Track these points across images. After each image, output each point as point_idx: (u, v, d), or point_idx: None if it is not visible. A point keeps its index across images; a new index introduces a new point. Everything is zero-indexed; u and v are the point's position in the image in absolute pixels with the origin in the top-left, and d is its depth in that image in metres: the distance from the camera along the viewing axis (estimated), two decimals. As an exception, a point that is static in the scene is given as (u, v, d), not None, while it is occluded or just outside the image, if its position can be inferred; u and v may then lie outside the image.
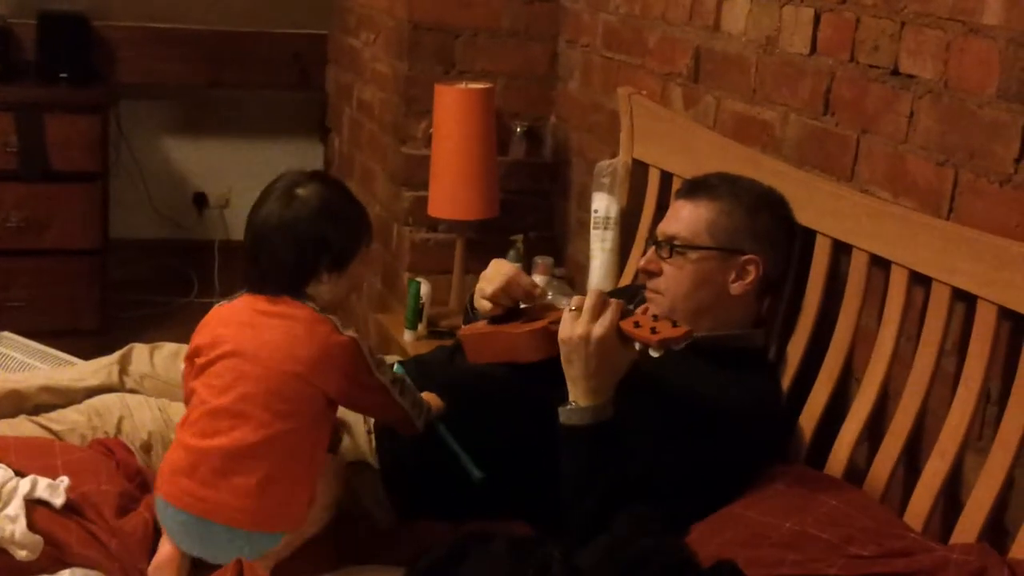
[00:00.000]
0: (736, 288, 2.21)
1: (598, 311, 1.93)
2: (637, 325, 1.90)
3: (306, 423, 1.95)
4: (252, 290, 2.01)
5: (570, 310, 1.96)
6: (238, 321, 2.00)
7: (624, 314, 1.95)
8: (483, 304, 2.21)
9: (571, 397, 1.98)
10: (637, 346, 1.91)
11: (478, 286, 2.24)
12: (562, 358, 1.97)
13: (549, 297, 3.01)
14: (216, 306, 2.08)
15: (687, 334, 1.88)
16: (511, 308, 2.17)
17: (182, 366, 2.51)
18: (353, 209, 2.03)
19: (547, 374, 2.04)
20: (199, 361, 2.01)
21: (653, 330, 1.88)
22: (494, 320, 2.18)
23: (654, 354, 1.89)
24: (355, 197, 2.07)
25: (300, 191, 1.97)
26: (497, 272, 2.21)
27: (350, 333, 1.96)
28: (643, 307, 2.18)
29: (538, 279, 3.17)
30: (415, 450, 2.14)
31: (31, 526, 1.84)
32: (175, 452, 1.98)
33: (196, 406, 1.98)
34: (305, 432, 1.95)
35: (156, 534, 1.97)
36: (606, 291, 2.74)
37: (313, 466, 1.97)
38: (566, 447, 1.99)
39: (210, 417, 1.94)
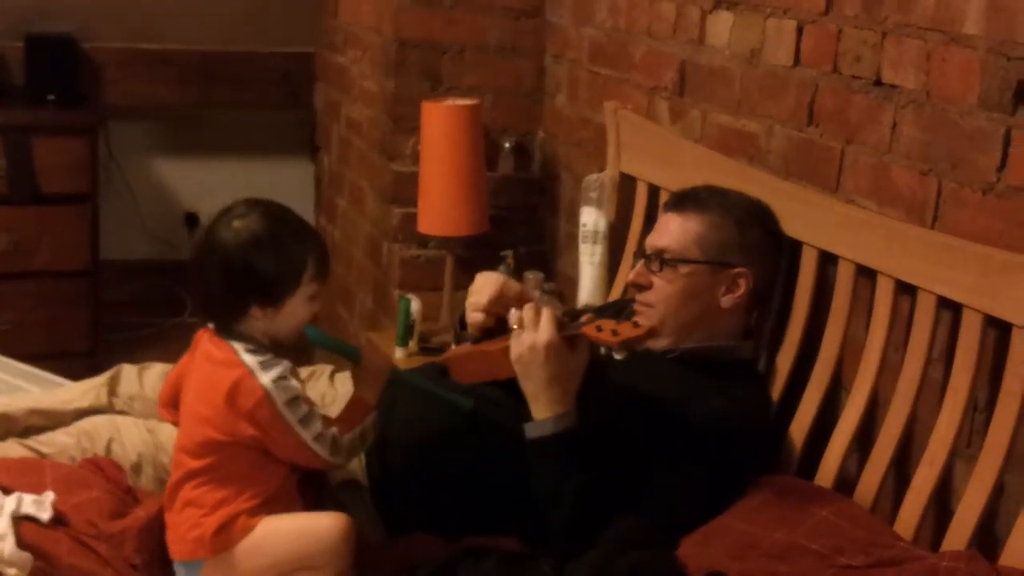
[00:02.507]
0: (726, 301, 2.21)
1: (536, 321, 1.96)
2: (599, 330, 1.93)
3: (223, 463, 1.92)
4: (198, 316, 2.03)
5: (513, 328, 1.98)
6: (196, 359, 2.00)
7: (565, 324, 1.97)
8: (476, 317, 2.21)
9: (532, 413, 2.00)
10: (602, 350, 1.93)
11: (469, 300, 2.24)
12: (519, 377, 1.99)
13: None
14: (200, 331, 2.04)
15: (649, 332, 1.91)
16: (496, 326, 2.18)
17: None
18: (294, 241, 1.94)
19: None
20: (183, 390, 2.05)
21: (614, 332, 1.90)
22: (481, 336, 2.19)
23: (617, 356, 1.91)
24: (305, 229, 1.98)
25: (237, 221, 1.91)
26: (486, 282, 2.22)
27: (266, 380, 1.88)
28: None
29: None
30: (404, 466, 2.14)
31: (20, 543, 1.84)
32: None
33: (177, 439, 2.03)
34: (222, 469, 1.92)
35: (154, 530, 1.98)
36: (596, 305, 2.76)
37: (240, 500, 1.92)
38: (533, 461, 2.01)
39: (176, 451, 2.01)
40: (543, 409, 1.98)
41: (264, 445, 1.92)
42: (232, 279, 1.90)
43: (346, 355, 2.05)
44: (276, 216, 1.95)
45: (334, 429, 1.95)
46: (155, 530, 1.97)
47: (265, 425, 1.89)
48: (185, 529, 1.93)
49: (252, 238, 1.90)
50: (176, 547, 1.95)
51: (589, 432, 2.00)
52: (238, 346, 1.92)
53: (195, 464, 1.93)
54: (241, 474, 1.93)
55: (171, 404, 2.07)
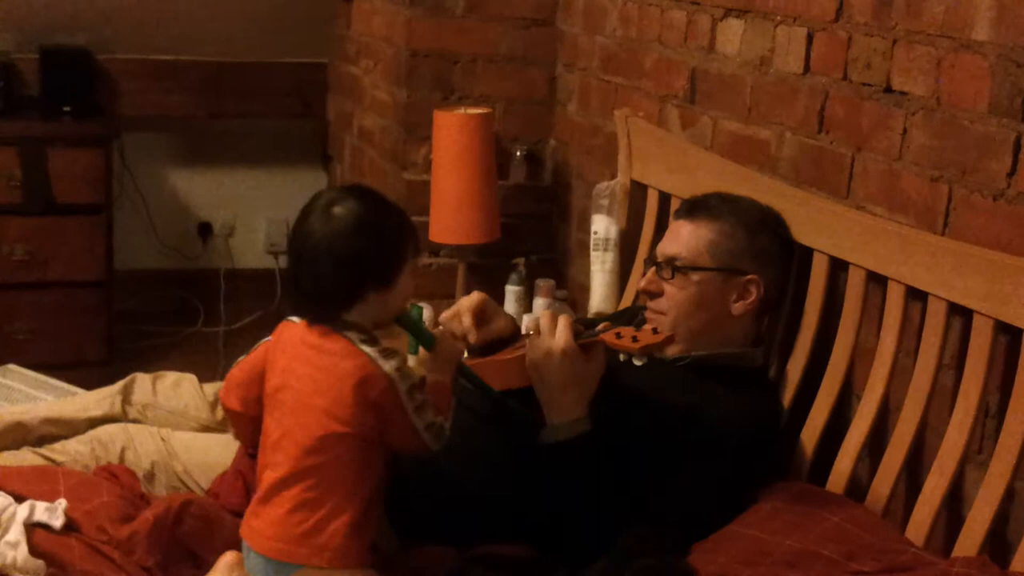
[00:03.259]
0: (737, 308, 2.22)
1: (553, 327, 1.97)
2: (619, 336, 1.93)
3: (340, 458, 1.88)
4: (296, 313, 1.97)
5: (528, 334, 2.00)
6: (290, 352, 1.94)
7: (580, 332, 1.97)
8: (470, 339, 2.22)
9: (547, 420, 2.00)
10: (621, 357, 1.94)
11: (454, 330, 2.23)
12: (534, 383, 2.00)
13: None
14: (283, 323, 2.00)
15: (668, 339, 1.92)
16: (500, 339, 2.19)
17: (186, 397, 2.54)
18: (393, 220, 1.94)
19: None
20: (267, 388, 1.97)
21: (634, 339, 1.91)
22: (482, 351, 2.19)
23: (637, 362, 1.91)
24: (396, 207, 1.98)
25: (337, 209, 1.89)
26: (458, 306, 2.24)
27: (389, 368, 1.88)
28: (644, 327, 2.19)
29: (540, 302, 3.19)
30: (417, 475, 2.15)
31: (32, 550, 1.86)
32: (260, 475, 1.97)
33: (267, 434, 1.95)
34: (338, 468, 1.88)
35: (163, 531, 1.98)
36: (607, 313, 2.76)
37: (353, 502, 1.89)
38: (548, 466, 2.01)
39: (270, 450, 1.93)
40: (557, 415, 1.99)
41: (382, 435, 1.91)
42: (348, 266, 1.88)
43: (424, 340, 2.04)
44: (369, 196, 1.95)
45: (441, 418, 1.95)
46: (164, 531, 1.97)
47: (387, 413, 1.88)
48: (296, 531, 1.87)
49: (359, 222, 1.88)
50: (274, 544, 1.88)
51: (603, 438, 2.01)
52: (352, 336, 1.89)
53: (308, 461, 1.87)
54: (350, 473, 1.89)
55: (243, 397, 2.01)
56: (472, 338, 2.21)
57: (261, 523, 1.89)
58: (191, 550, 2.01)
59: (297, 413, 1.90)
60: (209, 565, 1.97)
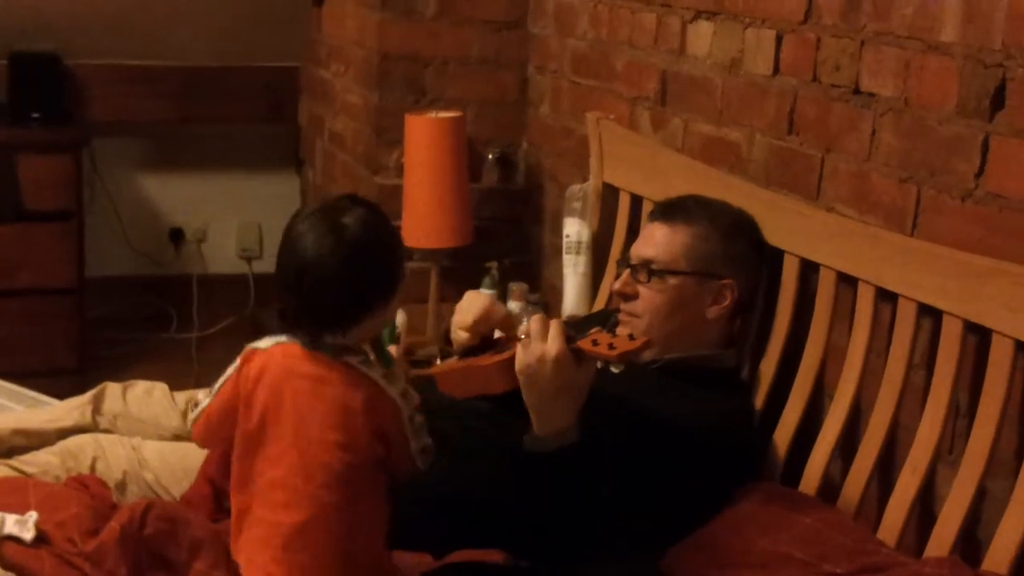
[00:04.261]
0: (712, 312, 2.22)
1: (544, 332, 1.92)
2: (595, 343, 1.90)
3: (361, 491, 1.81)
4: (287, 330, 1.83)
5: (521, 339, 1.96)
6: (276, 385, 1.81)
7: (572, 337, 1.94)
8: (460, 335, 2.21)
9: (534, 426, 1.94)
10: (599, 364, 1.91)
11: (454, 319, 2.24)
12: (523, 389, 1.93)
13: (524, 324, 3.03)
14: (251, 350, 1.86)
15: (645, 344, 1.89)
16: (484, 341, 2.17)
17: (156, 406, 2.52)
18: (396, 232, 1.86)
19: (522, 405, 2.04)
20: (245, 426, 1.83)
21: (611, 346, 1.88)
22: (465, 354, 2.18)
23: (615, 369, 1.89)
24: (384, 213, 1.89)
25: (347, 218, 1.76)
26: (472, 303, 2.21)
27: (395, 392, 1.81)
28: (618, 330, 2.19)
29: (513, 305, 3.18)
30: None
31: (3, 563, 1.84)
32: (243, 515, 1.85)
33: (258, 472, 1.82)
34: (362, 500, 1.81)
35: (130, 539, 1.95)
36: (580, 316, 2.76)
37: (381, 532, 1.85)
38: (533, 475, 1.96)
39: (270, 487, 1.80)
40: (546, 423, 1.92)
41: (384, 460, 1.83)
42: (358, 284, 1.76)
43: (384, 358, 1.94)
44: (370, 207, 1.82)
45: (430, 440, 1.87)
46: (131, 538, 1.94)
47: (393, 438, 1.81)
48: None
49: (368, 235, 1.77)
50: None
51: (588, 445, 1.98)
52: (351, 360, 1.80)
53: (331, 499, 1.77)
54: (375, 503, 1.83)
55: (219, 436, 1.90)
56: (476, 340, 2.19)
57: (287, 570, 1.79)
58: (160, 554, 1.99)
59: (305, 451, 1.78)
60: (180, 565, 1.95)
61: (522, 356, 1.93)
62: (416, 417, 1.83)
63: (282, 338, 1.83)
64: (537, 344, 1.91)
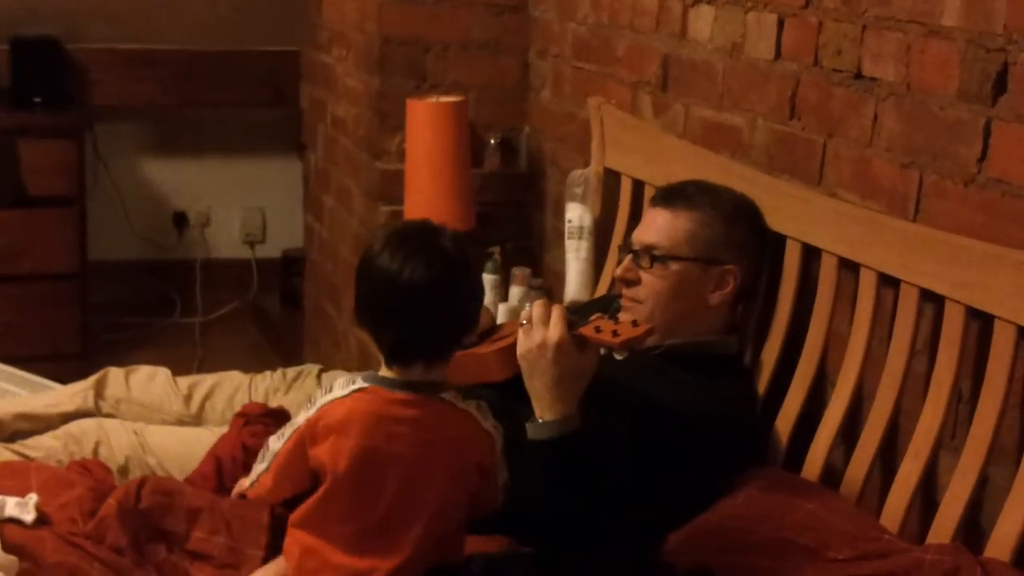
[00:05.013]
0: (715, 298, 2.22)
1: (546, 318, 1.91)
2: (598, 330, 1.90)
3: (456, 524, 1.84)
4: (396, 362, 1.78)
5: (522, 324, 1.95)
6: (365, 431, 1.76)
7: (574, 323, 1.93)
8: None
9: (536, 413, 1.93)
10: (602, 351, 1.91)
11: None
12: (524, 375, 1.94)
13: (527, 308, 3.03)
14: (329, 403, 1.78)
15: (648, 331, 1.88)
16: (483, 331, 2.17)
17: (159, 390, 2.53)
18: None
19: (522, 391, 2.04)
20: (324, 466, 1.78)
21: (615, 332, 1.87)
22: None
23: (618, 356, 1.89)
24: None
25: (445, 242, 1.74)
26: None
27: (489, 426, 1.82)
28: (620, 316, 2.19)
29: (516, 290, 3.18)
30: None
31: (5, 545, 1.85)
32: (310, 554, 1.80)
33: (340, 517, 1.78)
34: (449, 536, 1.83)
35: (128, 511, 1.97)
36: (582, 301, 2.76)
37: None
38: (535, 462, 1.95)
39: (361, 535, 1.77)
40: (548, 410, 1.92)
41: (475, 496, 1.83)
42: (473, 299, 1.79)
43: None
44: (452, 232, 1.79)
45: (506, 474, 1.88)
46: (129, 512, 1.96)
47: (487, 472, 1.82)
48: None
49: (470, 252, 1.78)
50: None
51: (590, 432, 1.97)
52: (447, 395, 1.80)
53: (433, 537, 1.78)
54: (461, 533, 1.85)
55: (286, 487, 1.87)
56: None
57: None
58: (159, 527, 2.00)
59: (411, 495, 1.76)
60: (179, 535, 1.97)
61: (523, 342, 1.93)
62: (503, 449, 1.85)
63: (359, 383, 1.78)
64: (538, 330, 1.91)
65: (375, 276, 1.73)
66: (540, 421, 1.93)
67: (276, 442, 1.85)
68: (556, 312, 1.92)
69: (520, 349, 1.94)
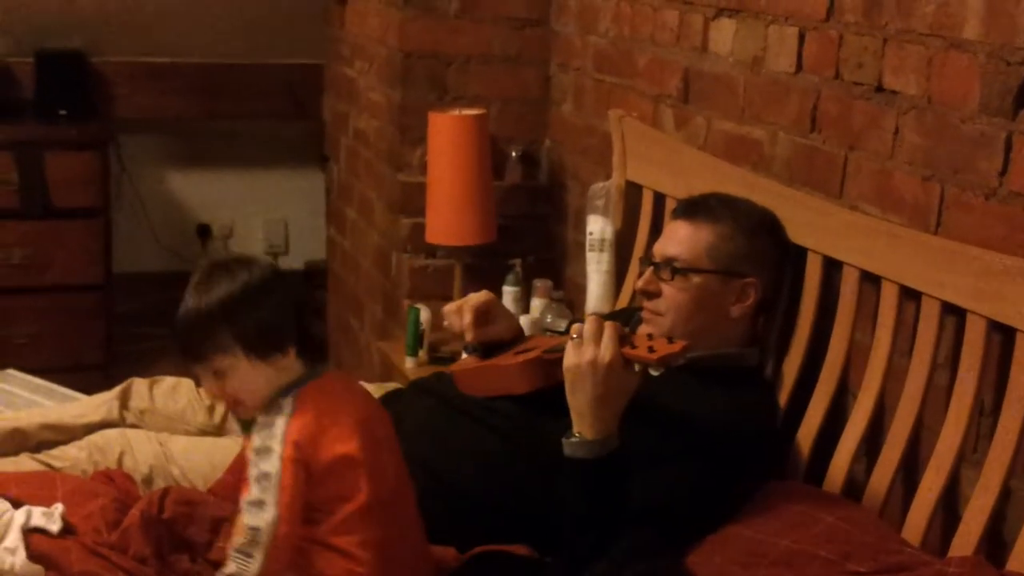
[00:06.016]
0: (736, 310, 2.22)
1: (599, 335, 1.90)
2: (633, 346, 1.90)
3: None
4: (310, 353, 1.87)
5: (572, 338, 1.94)
6: (350, 405, 1.86)
7: (625, 341, 1.93)
8: (452, 319, 2.23)
9: (576, 428, 1.92)
10: (636, 367, 1.91)
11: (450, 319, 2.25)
12: (567, 388, 1.92)
13: (548, 320, 3.04)
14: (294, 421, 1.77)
15: (685, 348, 1.88)
16: (499, 342, 2.18)
17: (183, 401, 2.54)
18: None
19: (545, 402, 2.04)
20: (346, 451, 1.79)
21: (651, 349, 1.87)
22: (486, 353, 2.19)
23: (654, 372, 1.89)
24: None
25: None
26: (472, 295, 2.24)
27: None
28: (640, 328, 2.19)
29: (537, 302, 3.19)
30: (415, 478, 2.15)
31: (30, 555, 1.86)
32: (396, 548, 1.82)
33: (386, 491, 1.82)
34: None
35: (151, 522, 1.98)
36: (603, 314, 2.76)
37: None
38: (571, 480, 1.94)
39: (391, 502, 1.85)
40: (588, 428, 1.91)
41: None
42: None
43: None
44: None
45: None
46: (152, 522, 1.98)
47: None
48: None
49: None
50: None
51: (626, 451, 1.96)
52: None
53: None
54: None
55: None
56: (469, 336, 2.20)
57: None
58: (182, 537, 2.01)
59: (398, 452, 1.91)
60: (202, 544, 1.98)
61: (572, 356, 1.91)
62: None
63: (292, 395, 1.77)
64: (589, 347, 1.89)
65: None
66: (578, 438, 1.92)
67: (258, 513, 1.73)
68: (610, 330, 1.89)
69: (567, 362, 1.92)
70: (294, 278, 1.87)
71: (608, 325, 1.92)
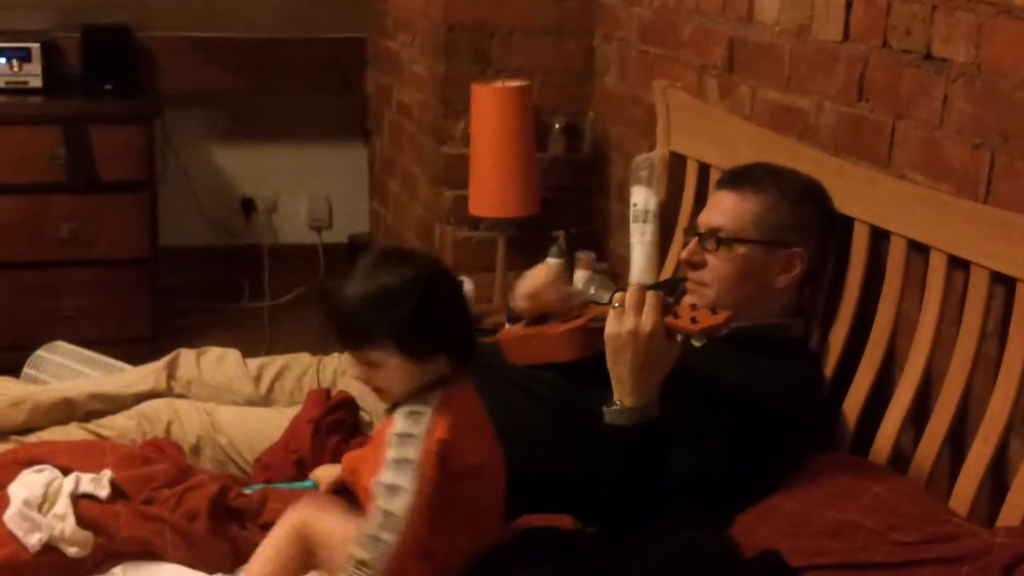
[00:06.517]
0: (781, 281, 2.21)
1: (640, 304, 1.91)
2: (676, 316, 1.90)
3: None
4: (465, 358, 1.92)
5: (614, 307, 1.95)
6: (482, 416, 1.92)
7: (667, 309, 1.93)
8: (518, 303, 2.23)
9: (616, 396, 1.94)
10: (679, 337, 1.91)
11: (517, 283, 2.26)
12: (608, 356, 1.94)
13: (592, 292, 3.03)
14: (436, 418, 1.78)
15: (728, 319, 1.87)
16: (550, 310, 2.18)
17: (229, 371, 2.56)
18: None
19: (588, 372, 2.05)
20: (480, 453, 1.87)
21: (693, 319, 1.87)
22: (532, 321, 2.19)
23: (697, 343, 1.89)
24: None
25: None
26: (535, 275, 2.23)
27: None
28: (685, 299, 2.19)
29: (580, 274, 3.19)
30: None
31: (79, 521, 1.88)
32: None
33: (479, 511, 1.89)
34: None
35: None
36: (647, 284, 2.76)
37: None
38: (611, 447, 1.96)
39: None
40: (628, 396, 1.93)
41: None
42: None
43: None
44: None
45: None
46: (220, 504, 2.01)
47: None
48: None
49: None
50: None
51: (666, 419, 1.97)
52: None
53: None
54: None
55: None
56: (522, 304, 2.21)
57: None
58: (232, 508, 2.04)
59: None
60: (251, 512, 2.02)
61: (613, 325, 1.92)
62: None
63: (435, 399, 1.79)
64: (631, 316, 1.90)
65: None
66: (619, 406, 1.94)
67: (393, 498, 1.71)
68: (652, 299, 1.91)
69: (608, 331, 1.93)
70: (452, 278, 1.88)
71: (650, 294, 1.92)
